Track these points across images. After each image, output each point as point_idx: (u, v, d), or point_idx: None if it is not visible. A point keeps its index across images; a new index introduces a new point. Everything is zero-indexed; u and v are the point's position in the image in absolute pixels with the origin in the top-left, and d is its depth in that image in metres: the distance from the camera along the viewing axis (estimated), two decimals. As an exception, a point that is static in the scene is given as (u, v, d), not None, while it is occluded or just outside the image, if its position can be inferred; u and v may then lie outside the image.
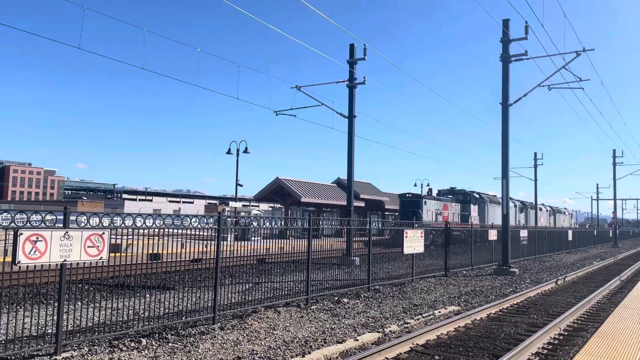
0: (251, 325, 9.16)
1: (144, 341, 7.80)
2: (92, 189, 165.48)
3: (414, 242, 15.84)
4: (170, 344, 7.74)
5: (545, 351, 7.93)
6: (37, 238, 6.72)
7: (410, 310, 11.22)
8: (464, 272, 19.95)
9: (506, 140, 21.00)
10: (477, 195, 41.93)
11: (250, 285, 12.54)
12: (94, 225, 7.59)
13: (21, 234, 6.55)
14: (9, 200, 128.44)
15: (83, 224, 7.43)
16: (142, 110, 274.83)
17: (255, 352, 7.41)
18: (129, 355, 7.02)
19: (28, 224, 6.78)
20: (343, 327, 9.28)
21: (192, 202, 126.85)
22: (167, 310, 9.74)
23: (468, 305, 12.29)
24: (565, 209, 71.41)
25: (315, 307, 11.23)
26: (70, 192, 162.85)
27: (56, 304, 7.97)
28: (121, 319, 8.55)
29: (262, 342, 8.02)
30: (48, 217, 6.96)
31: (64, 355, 6.86)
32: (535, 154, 55.28)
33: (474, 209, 40.89)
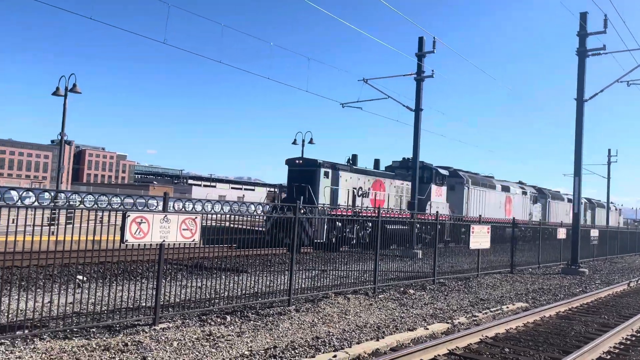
0: (324, 309, 9.69)
1: (228, 318, 8.51)
2: (160, 173, 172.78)
3: (480, 237, 15.86)
4: (252, 322, 8.39)
5: (617, 350, 7.96)
6: (141, 220, 7.49)
7: (477, 305, 11.40)
8: (530, 269, 19.69)
9: (580, 136, 20.42)
10: (443, 172, 28.22)
11: (317, 272, 13.10)
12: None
13: (129, 215, 7.33)
14: (85, 183, 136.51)
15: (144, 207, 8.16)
16: (217, 100, 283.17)
17: (331, 333, 7.92)
18: (218, 329, 7.70)
19: (134, 207, 7.57)
20: (412, 316, 9.64)
21: (254, 190, 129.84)
22: (243, 291, 10.42)
23: (536, 302, 12.30)
24: (611, 202, 55.71)
25: (382, 296, 11.63)
26: (140, 176, 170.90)
27: (143, 281, 8.86)
28: (203, 297, 9.31)
29: (337, 325, 8.52)
30: (151, 201, 7.73)
31: (162, 326, 7.63)
32: (609, 150, 52.41)
33: (436, 192, 27.40)
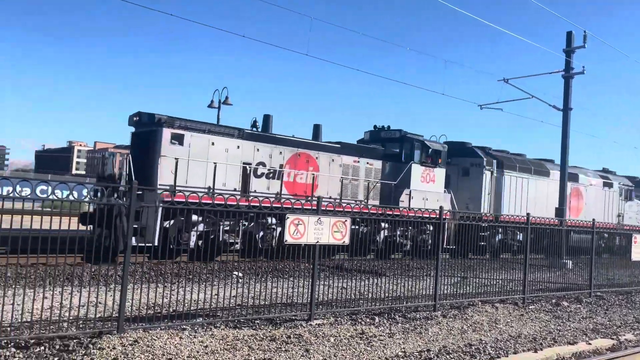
0: (472, 316, 9.51)
1: (376, 319, 8.73)
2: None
3: (644, 248, 14.33)
4: (400, 324, 8.52)
5: None
6: (299, 222, 8.02)
7: (645, 321, 10.37)
8: None
9: None
10: (435, 146, 19.60)
11: (458, 279, 12.85)
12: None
13: (288, 217, 7.90)
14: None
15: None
16: (351, 107, 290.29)
17: (483, 341, 7.76)
18: (369, 328, 7.95)
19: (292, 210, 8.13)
20: (570, 329, 9.06)
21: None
22: (386, 294, 10.59)
23: None
24: None
25: (533, 307, 11.07)
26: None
27: (291, 279, 9.43)
28: (349, 297, 9.65)
29: (488, 334, 8.33)
30: (306, 205, 8.24)
31: (316, 322, 8.08)
32: None
33: (421, 175, 18.72)
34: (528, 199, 22.65)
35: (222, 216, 10.53)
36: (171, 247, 12.31)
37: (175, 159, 13.60)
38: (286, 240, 7.87)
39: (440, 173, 19.57)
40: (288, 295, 9.33)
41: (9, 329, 6.05)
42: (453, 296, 11.06)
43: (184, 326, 7.03)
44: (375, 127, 20.25)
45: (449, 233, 16.78)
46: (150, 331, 6.51)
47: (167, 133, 13.87)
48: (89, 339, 6.06)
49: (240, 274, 12.04)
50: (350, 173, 17.56)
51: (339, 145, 17.92)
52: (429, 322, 8.85)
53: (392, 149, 19.24)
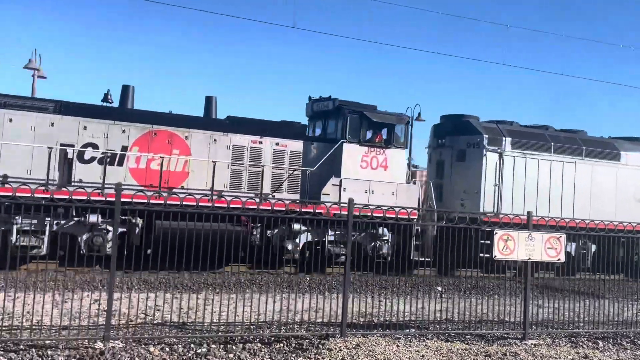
0: None
1: (600, 343, 8.06)
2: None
3: None
4: (629, 351, 7.77)
5: None
6: (508, 237, 7.88)
7: None
8: None
9: None
10: (390, 120, 14.34)
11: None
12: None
13: (496, 233, 7.83)
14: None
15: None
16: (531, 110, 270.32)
17: None
18: (593, 352, 7.40)
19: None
20: None
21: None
22: (606, 318, 9.63)
23: None
24: None
25: None
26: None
27: (495, 296, 9.12)
28: (562, 319, 9.02)
29: None
30: (515, 220, 8.09)
31: (531, 342, 7.80)
32: None
33: (361, 160, 13.88)
34: (575, 192, 16.07)
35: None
36: None
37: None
38: (495, 256, 7.80)
39: (396, 156, 14.47)
40: (495, 313, 9.15)
41: (252, 327, 7.12)
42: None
43: (398, 335, 7.41)
44: (310, 98, 15.20)
45: (423, 240, 13.82)
46: (368, 337, 7.03)
47: None
48: (317, 340, 6.82)
49: (442, 289, 12.15)
50: (247, 157, 13.57)
51: (227, 121, 13.95)
52: (667, 351, 7.86)
53: (330, 126, 14.72)
